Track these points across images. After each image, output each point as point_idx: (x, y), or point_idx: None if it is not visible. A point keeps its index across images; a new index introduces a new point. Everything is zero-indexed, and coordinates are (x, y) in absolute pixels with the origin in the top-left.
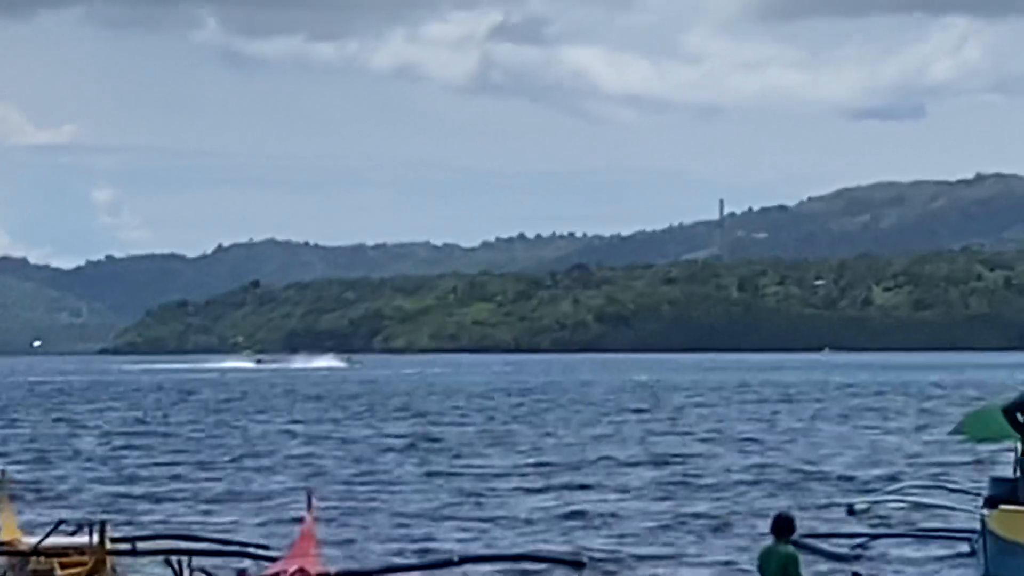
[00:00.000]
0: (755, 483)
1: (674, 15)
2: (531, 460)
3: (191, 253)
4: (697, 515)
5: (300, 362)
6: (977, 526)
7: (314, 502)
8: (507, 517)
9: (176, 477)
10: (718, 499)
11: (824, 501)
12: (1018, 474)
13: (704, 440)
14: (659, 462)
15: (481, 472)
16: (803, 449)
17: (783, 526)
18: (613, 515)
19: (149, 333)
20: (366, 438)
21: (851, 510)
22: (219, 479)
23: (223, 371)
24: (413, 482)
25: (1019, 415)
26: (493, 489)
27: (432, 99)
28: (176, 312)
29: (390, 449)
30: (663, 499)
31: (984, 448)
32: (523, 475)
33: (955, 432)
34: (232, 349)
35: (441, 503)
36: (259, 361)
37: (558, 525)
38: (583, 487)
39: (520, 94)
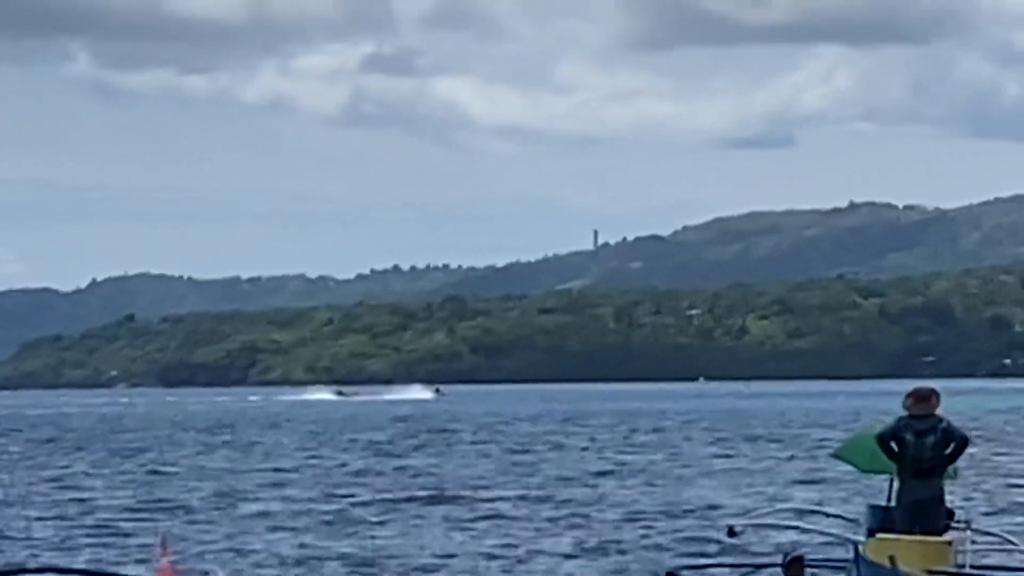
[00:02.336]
0: (630, 519)
1: (546, 46)
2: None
3: (65, 287)
4: (566, 548)
5: (389, 394)
6: (852, 553)
7: (168, 544)
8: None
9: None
10: (590, 531)
11: (699, 532)
12: (892, 502)
13: (565, 477)
14: (531, 496)
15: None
16: (677, 478)
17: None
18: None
19: (23, 367)
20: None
21: (731, 531)
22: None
23: (307, 403)
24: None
25: (893, 443)
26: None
27: (305, 131)
28: (50, 346)
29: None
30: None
31: (858, 474)
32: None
33: (831, 457)
34: (107, 383)
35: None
36: (340, 393)
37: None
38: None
39: (393, 126)
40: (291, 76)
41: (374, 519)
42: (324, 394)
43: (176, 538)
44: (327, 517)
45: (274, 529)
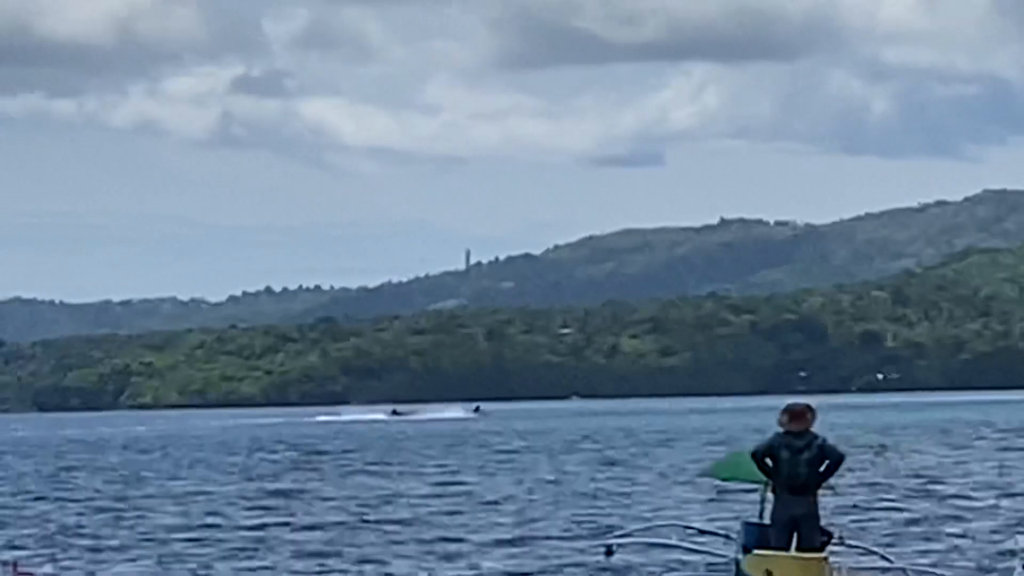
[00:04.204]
0: (510, 542)
1: (414, 66)
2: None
3: None
4: None
5: (432, 413)
6: (726, 569)
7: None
8: None
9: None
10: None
11: (576, 557)
12: (765, 518)
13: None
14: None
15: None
16: (552, 500)
17: None
18: None
19: None
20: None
21: (609, 551)
22: None
23: (362, 422)
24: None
25: (768, 459)
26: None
27: (174, 154)
28: None
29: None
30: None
31: (733, 492)
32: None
33: (704, 475)
34: None
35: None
36: (395, 412)
37: None
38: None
39: (262, 147)
40: (160, 99)
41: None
42: (378, 414)
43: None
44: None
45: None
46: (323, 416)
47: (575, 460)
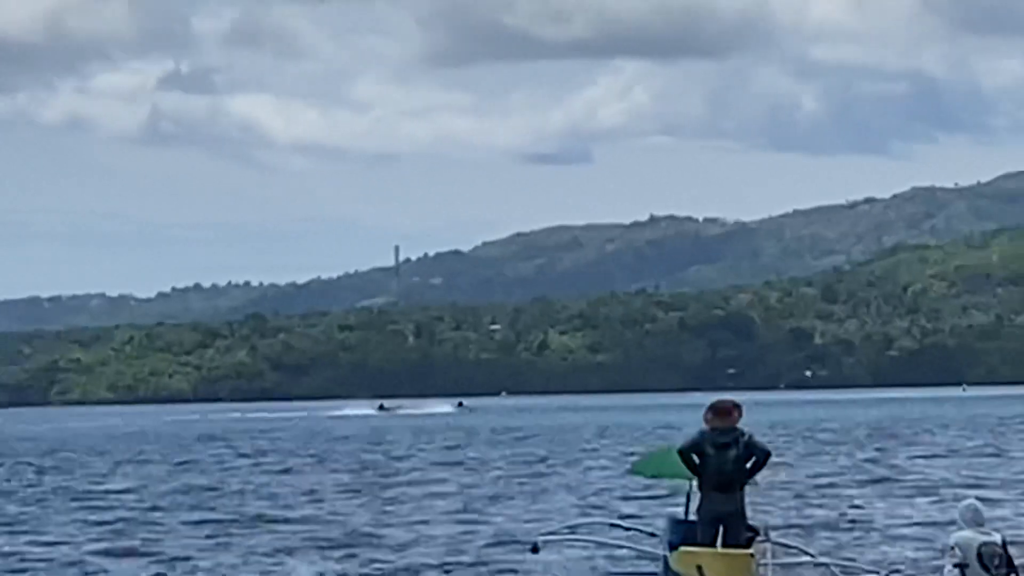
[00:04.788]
0: (435, 536)
1: (344, 63)
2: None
3: None
4: None
5: (418, 408)
6: (655, 566)
7: None
8: None
9: None
10: (380, 555)
11: (502, 554)
12: (692, 515)
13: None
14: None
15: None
16: (476, 497)
17: None
18: None
19: None
20: None
21: (535, 548)
22: None
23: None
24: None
25: (694, 456)
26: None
27: (103, 150)
28: None
29: None
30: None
31: (658, 488)
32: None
33: (631, 472)
34: None
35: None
36: (382, 408)
37: None
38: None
39: (191, 144)
40: (89, 95)
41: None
42: (366, 409)
43: None
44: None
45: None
46: (317, 413)
47: (509, 456)
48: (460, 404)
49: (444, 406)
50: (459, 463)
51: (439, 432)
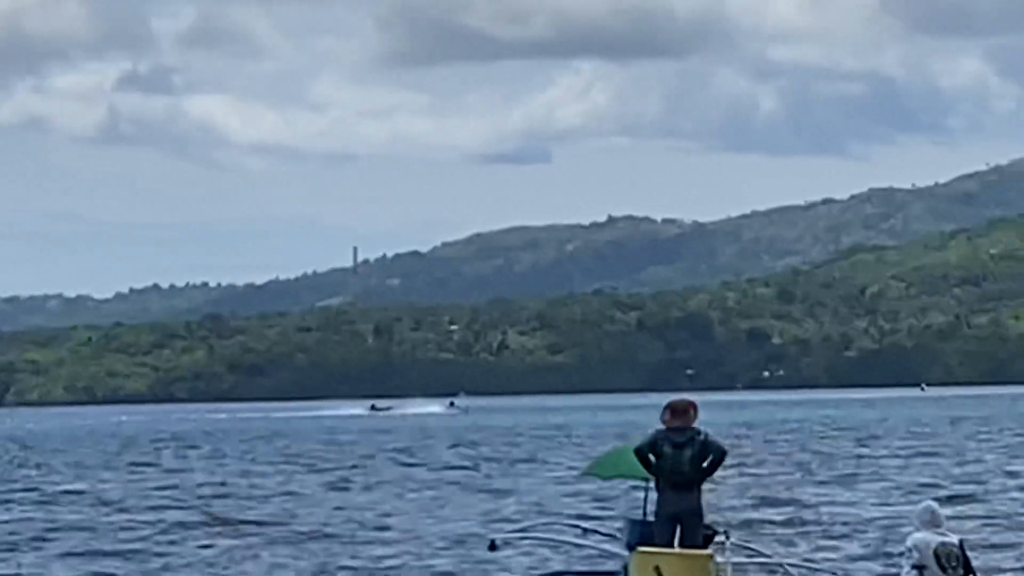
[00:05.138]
0: (392, 536)
1: (302, 63)
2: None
3: None
4: None
5: (410, 408)
6: (613, 564)
7: None
8: None
9: None
10: (333, 555)
11: (463, 549)
12: (650, 515)
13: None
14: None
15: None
16: (439, 495)
17: None
18: None
19: None
20: None
21: (493, 545)
22: None
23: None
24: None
25: (651, 455)
26: None
27: (61, 151)
28: None
29: None
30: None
31: (617, 488)
32: None
33: (587, 473)
34: None
35: None
36: (374, 408)
37: None
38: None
39: (150, 144)
40: (47, 95)
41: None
42: (358, 409)
43: None
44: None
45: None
46: (305, 412)
47: (471, 455)
48: (451, 404)
49: (435, 406)
50: (422, 464)
51: (404, 432)
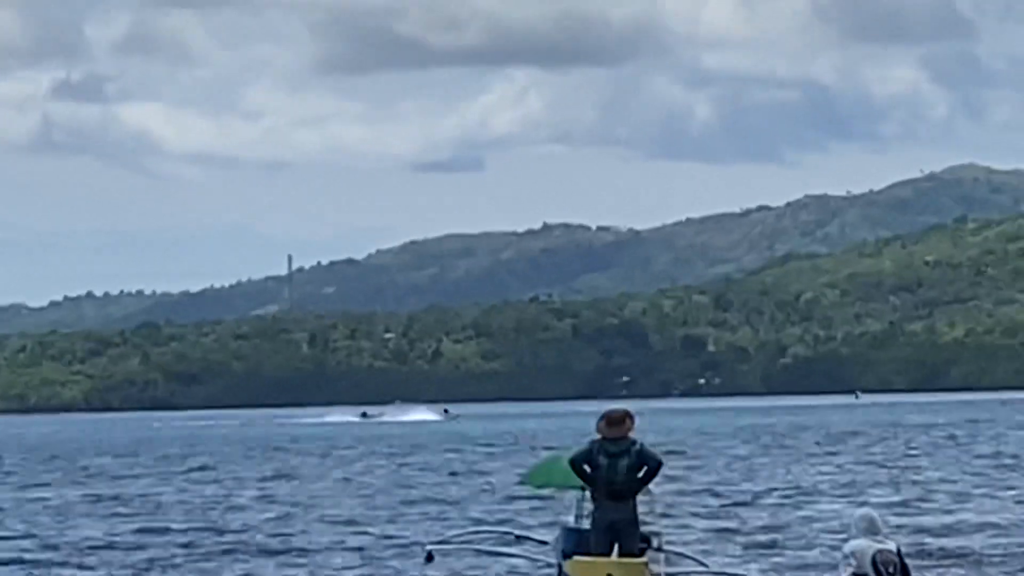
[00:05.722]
0: (329, 547)
1: (234, 71)
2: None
3: None
4: None
5: (403, 415)
6: (549, 572)
7: None
8: None
9: None
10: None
11: (398, 560)
12: (584, 523)
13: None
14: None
15: None
16: (373, 506)
17: None
18: None
19: None
20: None
21: (429, 557)
22: None
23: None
24: None
25: (586, 466)
26: None
27: None
28: None
29: None
30: None
31: (550, 498)
32: None
33: (522, 482)
34: None
35: None
36: (364, 415)
37: None
38: None
39: (83, 153)
40: None
41: None
42: (349, 416)
43: None
44: None
45: None
46: (299, 419)
47: (414, 465)
48: (446, 411)
49: (429, 414)
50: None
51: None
